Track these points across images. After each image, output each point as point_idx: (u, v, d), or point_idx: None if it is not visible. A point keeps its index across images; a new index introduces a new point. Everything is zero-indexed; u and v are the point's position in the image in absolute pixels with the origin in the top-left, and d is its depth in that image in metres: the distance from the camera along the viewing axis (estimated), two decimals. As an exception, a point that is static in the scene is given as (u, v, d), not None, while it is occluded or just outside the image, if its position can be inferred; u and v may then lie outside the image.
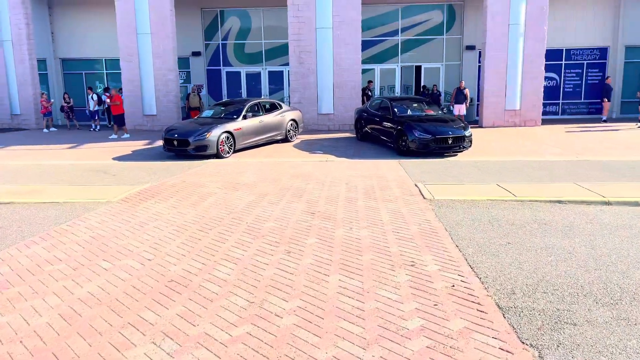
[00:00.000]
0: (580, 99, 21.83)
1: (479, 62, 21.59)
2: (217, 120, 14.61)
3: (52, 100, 21.04)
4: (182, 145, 13.60)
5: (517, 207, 7.53)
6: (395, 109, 14.76)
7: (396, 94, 21.96)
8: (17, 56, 20.77)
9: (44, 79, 23.14)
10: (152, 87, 19.32)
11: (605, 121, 19.78)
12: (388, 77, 22.20)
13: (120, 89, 20.90)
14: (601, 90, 19.92)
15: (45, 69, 23.03)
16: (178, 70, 19.56)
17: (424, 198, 8.13)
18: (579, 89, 21.81)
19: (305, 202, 8.07)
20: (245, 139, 14.59)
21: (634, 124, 19.43)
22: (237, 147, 14.34)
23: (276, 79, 22.48)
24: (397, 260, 5.32)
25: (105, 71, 22.98)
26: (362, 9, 18.54)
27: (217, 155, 13.69)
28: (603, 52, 21.45)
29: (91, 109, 20.09)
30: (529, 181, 9.70)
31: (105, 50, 22.47)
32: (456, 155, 13.53)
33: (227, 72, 22.56)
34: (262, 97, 22.21)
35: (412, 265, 5.15)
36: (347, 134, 18.16)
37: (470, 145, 13.78)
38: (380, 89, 22.23)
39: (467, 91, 18.49)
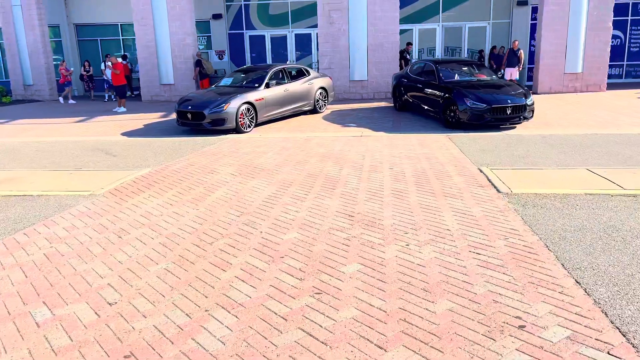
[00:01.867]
0: (649, 60, 18.92)
1: (532, 19, 18.85)
2: (237, 89, 12.60)
3: (71, 69, 19.31)
4: (196, 118, 11.70)
5: (634, 207, 5.35)
6: (442, 74, 12.44)
7: (438, 57, 19.45)
8: (27, 22, 19.05)
9: (58, 47, 21.45)
10: (169, 54, 17.38)
11: (679, 85, 16.94)
12: (428, 39, 19.68)
13: (125, 55, 19.03)
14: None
15: (60, 35, 21.31)
16: (196, 35, 17.52)
17: (498, 191, 6.00)
18: (647, 48, 18.87)
19: (340, 196, 6.07)
20: (268, 111, 12.58)
21: None
22: (260, 119, 12.36)
23: (304, 43, 20.23)
24: (492, 314, 3.29)
25: (121, 37, 21.12)
26: (399, -41, 15.99)
27: (237, 130, 11.77)
28: (677, 4, 18.38)
29: (107, 78, 18.32)
30: (623, 163, 7.46)
31: (121, 15, 20.54)
32: (515, 127, 11.25)
33: (250, 36, 20.41)
34: (288, 62, 20.04)
35: (521, 328, 3.12)
36: (384, 103, 15.93)
37: (532, 116, 11.45)
38: (419, 52, 19.75)
39: (521, 52, 15.91)
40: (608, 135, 9.88)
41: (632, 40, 18.73)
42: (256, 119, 12.19)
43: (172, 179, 7.36)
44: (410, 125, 12.08)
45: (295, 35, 20.18)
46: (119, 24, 20.83)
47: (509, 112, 10.95)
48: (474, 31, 19.42)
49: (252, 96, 12.09)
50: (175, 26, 17.10)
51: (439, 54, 19.61)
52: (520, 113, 11.08)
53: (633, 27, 18.72)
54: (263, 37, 20.36)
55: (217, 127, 11.59)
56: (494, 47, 18.29)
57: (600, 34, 15.87)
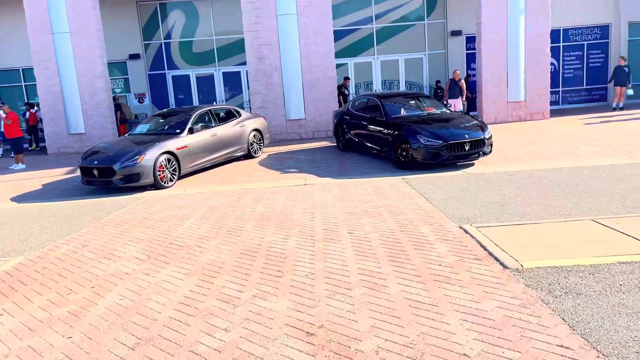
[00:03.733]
0: (582, 85, 18.66)
1: (467, 48, 18.18)
2: (155, 137, 10.58)
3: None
4: (105, 175, 9.54)
5: (692, 279, 3.86)
6: (388, 109, 11.04)
7: (378, 91, 18.28)
8: None
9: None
10: (77, 99, 15.04)
11: (614, 109, 16.60)
12: (364, 73, 18.52)
13: (32, 103, 16.45)
14: (613, 73, 16.69)
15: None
16: (109, 77, 15.33)
17: (504, 267, 4.35)
18: (580, 73, 18.64)
19: (289, 291, 4.21)
20: (194, 160, 10.60)
21: (653, 110, 16.34)
22: (184, 171, 10.35)
23: (233, 82, 18.49)
24: None
25: (24, 83, 18.47)
26: (329, -9, 14.76)
27: (156, 185, 9.71)
28: (604, 30, 18.34)
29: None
30: (621, 205, 6.13)
31: (22, 59, 17.96)
32: (473, 164, 9.93)
33: (173, 77, 18.42)
34: (215, 103, 18.18)
35: None
36: (325, 143, 14.36)
37: (491, 151, 10.18)
38: (356, 86, 18.52)
39: (462, 83, 14.95)
40: (579, 169, 8.69)
41: (565, 67, 18.45)
42: (179, 170, 10.18)
43: (49, 274, 5.20)
44: (358, 168, 10.48)
45: (223, 73, 18.41)
46: (21, 68, 18.22)
47: (467, 148, 9.62)
48: (410, 63, 18.48)
49: (172, 144, 10.10)
50: (83, 68, 14.84)
51: (377, 87, 18.46)
52: (479, 148, 9.78)
53: (565, 53, 18.48)
54: (188, 77, 18.43)
55: (130, 183, 9.49)
56: (437, 81, 17.38)
57: (539, 61, 15.24)
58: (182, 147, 10.29)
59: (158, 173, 9.67)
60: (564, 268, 4.19)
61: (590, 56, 18.53)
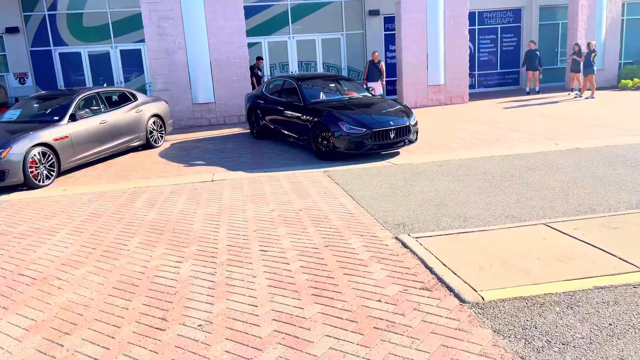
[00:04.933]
0: (496, 69, 18.59)
1: (385, 29, 17.38)
2: (27, 125, 8.64)
3: None
4: (-43, 173, 7.55)
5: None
6: (306, 92, 9.85)
7: (293, 73, 17.00)
8: None
9: None
10: None
11: (528, 93, 16.62)
12: (279, 53, 17.15)
13: None
14: (525, 57, 16.65)
15: None
16: (-24, 52, 12.81)
17: (462, 302, 3.32)
18: (494, 57, 18.53)
19: (172, 357, 2.92)
20: (77, 153, 8.81)
21: (564, 93, 16.50)
22: (65, 166, 8.56)
23: (133, 61, 16.37)
24: None
25: None
26: (238, -39, 13.18)
27: (27, 184, 7.89)
28: (517, 14, 18.30)
29: None
30: (567, 202, 5.44)
31: None
32: (399, 153, 9.07)
33: (60, 54, 15.95)
34: (116, 85, 16.02)
35: None
36: (238, 129, 12.93)
37: (417, 138, 9.36)
38: (271, 67, 17.12)
39: (382, 65, 14.07)
40: (509, 158, 8.06)
41: (480, 50, 18.24)
42: (58, 166, 8.38)
43: None
44: (274, 159, 9.25)
45: (121, 51, 16.23)
46: None
47: (392, 136, 8.71)
48: (328, 43, 17.36)
49: (49, 134, 8.27)
50: (-58, 41, 12.22)
51: (293, 69, 17.18)
52: (405, 136, 8.91)
53: (481, 37, 18.25)
54: (79, 54, 16.04)
55: (-7, 183, 7.59)
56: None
57: (458, 44, 14.75)
58: (62, 138, 8.48)
59: (30, 170, 7.84)
60: (535, 299, 3.26)
61: (504, 40, 18.47)
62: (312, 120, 9.12)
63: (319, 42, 17.26)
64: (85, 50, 16.00)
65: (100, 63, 16.15)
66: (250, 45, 15.14)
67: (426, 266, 3.88)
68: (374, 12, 17.08)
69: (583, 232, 4.36)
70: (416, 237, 4.52)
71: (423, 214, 5.38)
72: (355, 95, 10.31)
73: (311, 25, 17.07)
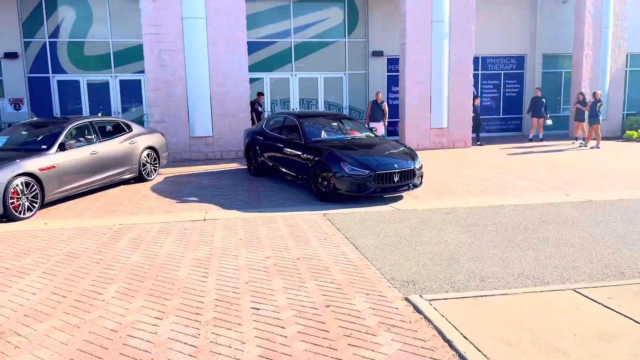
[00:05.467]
0: (499, 114, 18.38)
1: (388, 70, 17.23)
2: (13, 153, 8.16)
3: None
4: None
5: None
6: (307, 130, 9.46)
7: (294, 110, 16.71)
8: None
9: None
10: None
11: (531, 140, 16.34)
12: (281, 90, 16.91)
13: None
14: (531, 104, 16.45)
15: None
16: (-30, 76, 12.46)
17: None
18: (497, 102, 18.35)
19: None
20: (64, 184, 8.29)
21: (568, 141, 16.22)
22: (50, 197, 8.03)
23: (132, 92, 16.06)
24: None
25: None
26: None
27: (7, 216, 7.35)
28: (520, 60, 18.24)
29: None
30: (591, 262, 4.93)
31: None
32: (402, 197, 8.60)
33: (59, 81, 15.63)
34: (114, 115, 15.65)
35: None
36: (235, 165, 12.47)
37: (422, 182, 8.91)
38: (272, 104, 16.85)
39: (385, 106, 13.78)
40: (520, 209, 7.59)
41: (483, 95, 18.07)
42: (42, 197, 7.84)
43: None
44: (271, 198, 8.75)
45: (121, 81, 15.94)
46: None
47: (396, 179, 8.26)
48: (330, 82, 17.16)
49: (34, 164, 7.77)
50: (-64, 63, 11.87)
51: (294, 106, 16.91)
52: (410, 180, 8.47)
53: (484, 82, 18.12)
54: (77, 83, 15.73)
55: (-32, 215, 7.04)
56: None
57: (463, 86, 14.53)
58: (48, 168, 7.98)
59: (11, 201, 7.30)
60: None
61: (507, 86, 18.34)
62: (312, 159, 8.69)
63: (321, 80, 17.06)
64: (84, 79, 15.71)
65: (99, 92, 15.83)
66: (252, 80, 14.88)
67: (444, 339, 3.32)
68: (378, 53, 16.97)
69: (619, 302, 3.84)
70: (430, 300, 3.98)
71: (434, 269, 4.85)
72: (357, 135, 9.93)
73: (314, 63, 16.91)
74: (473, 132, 15.29)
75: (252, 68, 15.05)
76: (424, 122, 14.39)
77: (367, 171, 8.04)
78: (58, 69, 15.50)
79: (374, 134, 10.27)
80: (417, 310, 3.82)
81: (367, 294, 4.21)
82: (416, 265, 5.00)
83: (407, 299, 4.07)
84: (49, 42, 15.37)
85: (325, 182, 8.43)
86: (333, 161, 8.25)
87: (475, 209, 7.59)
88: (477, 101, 15.38)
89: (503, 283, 4.45)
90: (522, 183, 9.70)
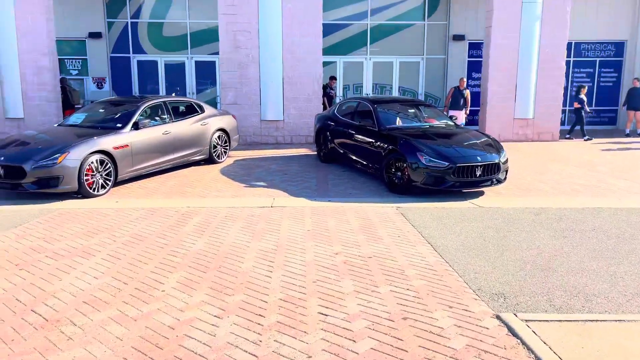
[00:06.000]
0: (591, 105, 16.75)
1: (469, 55, 16.16)
2: (89, 130, 8.25)
3: None
4: (13, 176, 7.20)
5: None
6: (382, 117, 8.89)
7: (367, 95, 16.11)
8: None
9: None
10: (17, 78, 12.55)
11: (628, 135, 14.75)
12: (353, 74, 16.34)
13: None
14: (627, 96, 14.83)
15: None
16: (57, 55, 12.88)
17: None
18: (589, 92, 16.72)
19: None
20: (136, 163, 8.28)
21: (672, 138, 14.49)
22: (122, 176, 8.05)
23: (206, 73, 16.14)
24: None
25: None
26: (319, -21, 12.54)
27: (82, 193, 7.40)
28: (619, 47, 16.48)
29: None
30: None
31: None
32: (483, 193, 7.85)
33: (139, 61, 15.99)
34: (188, 95, 15.82)
35: None
36: (304, 150, 12.14)
37: (506, 177, 8.10)
38: (344, 88, 16.34)
39: (467, 93, 12.84)
40: (622, 213, 6.65)
41: (574, 84, 16.53)
42: (115, 175, 7.87)
43: None
44: (341, 187, 8.30)
45: (196, 62, 16.05)
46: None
47: (478, 173, 7.53)
48: (406, 66, 16.36)
49: (109, 142, 7.78)
50: (27, 43, 12.37)
51: (367, 91, 16.30)
52: (493, 174, 7.69)
53: (575, 70, 16.57)
54: (155, 63, 16.01)
55: (47, 189, 7.17)
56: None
57: (552, 75, 13.29)
58: (122, 146, 7.98)
59: (85, 178, 7.36)
60: None
61: (602, 74, 16.66)
62: (386, 147, 8.12)
63: (396, 64, 16.30)
64: (162, 59, 15.95)
65: (175, 73, 16.03)
66: (325, 64, 14.42)
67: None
68: (459, 37, 15.93)
69: None
70: (527, 321, 3.37)
71: (527, 281, 4.20)
72: (436, 123, 9.22)
73: (390, 46, 16.16)
74: (577, 124, 14.00)
75: (325, 51, 14.58)
76: (507, 112, 13.33)
77: (447, 163, 7.37)
78: (138, 49, 15.83)
79: (454, 122, 9.51)
80: (513, 333, 3.23)
81: (450, 307, 3.66)
82: (505, 274, 4.37)
83: (498, 317, 3.48)
84: (131, 22, 15.70)
85: (399, 173, 7.86)
86: (409, 151, 7.65)
87: (568, 211, 6.73)
88: (584, 91, 13.96)
89: (614, 305, 3.74)
90: (622, 183, 8.61)
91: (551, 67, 13.24)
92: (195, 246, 5.16)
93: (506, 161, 8.00)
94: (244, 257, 4.82)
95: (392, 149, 7.97)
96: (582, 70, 16.52)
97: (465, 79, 12.65)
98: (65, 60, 15.78)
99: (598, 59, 16.54)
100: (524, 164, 10.33)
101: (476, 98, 14.48)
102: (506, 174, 8.07)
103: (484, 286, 4.10)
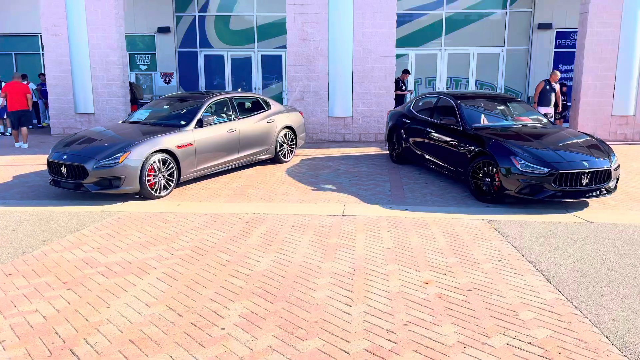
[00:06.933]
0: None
1: (556, 46, 14.59)
2: (152, 127, 7.83)
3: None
4: (75, 175, 6.86)
5: None
6: (466, 114, 7.85)
7: (441, 89, 14.96)
8: None
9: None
10: (88, 73, 12.53)
11: None
12: (426, 67, 15.22)
13: (25, 75, 13.94)
14: None
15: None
16: (126, 50, 12.74)
17: None
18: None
19: None
20: (200, 163, 7.77)
21: None
22: (185, 176, 7.56)
23: (273, 67, 15.61)
24: None
25: (42, 51, 16.19)
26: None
27: (143, 194, 6.97)
28: None
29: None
30: None
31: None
32: (588, 204, 6.67)
33: (205, 56, 15.71)
34: (254, 91, 15.38)
35: None
36: (373, 149, 11.26)
37: (616, 187, 6.85)
38: (416, 82, 15.26)
39: (557, 87, 11.39)
40: None
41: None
42: (178, 175, 7.39)
43: None
44: (418, 193, 7.38)
45: (262, 56, 15.55)
46: (39, 34, 15.92)
47: (584, 181, 6.38)
48: (484, 58, 15.04)
49: (172, 140, 7.30)
50: (97, 37, 12.29)
51: (441, 85, 15.14)
52: (603, 183, 6.51)
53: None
54: (222, 57, 15.67)
55: (108, 190, 6.80)
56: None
57: (659, 67, 11.58)
58: (186, 145, 7.48)
59: (147, 178, 6.90)
60: None
61: None
62: (472, 149, 7.11)
63: (474, 56, 15.01)
64: (228, 53, 15.58)
65: (242, 67, 15.63)
66: (397, 56, 13.43)
67: None
68: (545, 25, 14.41)
69: None
70: None
71: (691, 339, 3.15)
72: (529, 122, 8.06)
73: (467, 37, 14.90)
74: None
75: (397, 43, 13.57)
76: (604, 108, 11.78)
77: (547, 169, 6.28)
78: (205, 44, 15.55)
79: (549, 120, 8.30)
80: None
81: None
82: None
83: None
84: (198, 16, 15.43)
85: (488, 179, 6.84)
86: (501, 154, 6.62)
87: None
88: None
89: None
90: None
91: (658, 57, 11.54)
92: (261, 264, 4.47)
93: (617, 167, 6.78)
94: (316, 282, 4.07)
95: (480, 151, 6.96)
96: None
97: (558, 73, 11.19)
98: (135, 56, 15.76)
99: None
100: (632, 169, 8.92)
101: (567, 92, 12.96)
102: (617, 183, 6.83)
103: (630, 342, 3.10)
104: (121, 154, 6.77)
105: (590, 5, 11.37)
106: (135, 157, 6.80)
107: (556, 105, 11.20)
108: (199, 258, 4.66)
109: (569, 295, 3.83)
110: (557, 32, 14.49)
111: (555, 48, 14.62)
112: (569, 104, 12.92)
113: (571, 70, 14.32)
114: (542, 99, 11.03)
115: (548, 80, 11.13)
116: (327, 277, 4.19)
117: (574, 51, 12.90)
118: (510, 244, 5.08)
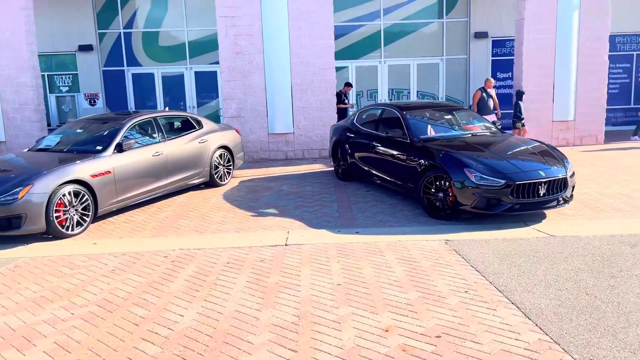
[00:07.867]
0: (630, 104, 15.09)
1: (493, 54, 14.58)
2: (62, 155, 6.77)
3: None
4: (-33, 215, 5.69)
5: None
6: (413, 125, 7.31)
7: (384, 101, 14.54)
8: None
9: None
10: (-4, 97, 11.11)
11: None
12: (367, 79, 14.80)
13: None
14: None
15: None
16: (39, 71, 11.41)
17: None
18: (627, 90, 15.07)
19: None
20: (121, 193, 6.75)
21: None
22: (104, 209, 6.52)
23: (208, 84, 14.66)
24: None
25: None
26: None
27: (52, 233, 5.89)
28: (659, 39, 14.84)
29: None
30: None
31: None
32: (545, 216, 6.26)
33: (134, 74, 14.53)
34: (188, 110, 14.36)
35: None
36: (318, 166, 10.56)
37: (572, 196, 6.47)
38: (357, 95, 14.78)
39: (494, 93, 11.13)
40: None
41: (610, 81, 14.83)
42: (95, 208, 6.34)
43: None
44: (368, 212, 6.72)
45: (196, 73, 14.58)
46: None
47: (542, 192, 5.94)
48: (424, 69, 14.79)
49: (85, 169, 6.28)
50: (7, 57, 10.94)
51: (382, 97, 14.74)
52: (560, 192, 6.10)
53: (611, 65, 14.86)
54: (152, 75, 14.57)
55: (8, 231, 5.69)
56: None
57: (595, 71, 11.66)
58: (103, 173, 6.46)
59: (56, 214, 5.84)
60: None
61: (641, 70, 15.00)
62: (422, 163, 6.56)
63: (414, 67, 14.75)
64: (159, 71, 14.51)
65: (174, 85, 14.59)
66: (337, 69, 12.88)
67: None
68: (481, 34, 14.37)
69: None
70: None
71: None
72: (477, 130, 7.63)
73: (406, 48, 14.63)
74: None
75: (336, 55, 13.02)
76: (544, 115, 11.71)
77: (503, 181, 5.80)
78: (133, 62, 14.40)
79: (497, 128, 7.91)
80: None
81: None
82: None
83: None
84: (124, 33, 14.29)
85: (441, 194, 6.29)
86: (453, 166, 6.09)
87: (671, 240, 5.11)
88: None
89: None
90: None
91: (592, 62, 11.63)
92: (184, 319, 3.60)
93: (573, 174, 6.40)
94: (252, 340, 3.25)
95: (431, 165, 6.41)
96: (617, 65, 14.86)
97: (492, 80, 10.97)
98: (54, 77, 14.38)
99: (635, 53, 14.88)
100: (581, 175, 8.68)
101: (504, 100, 12.87)
102: (572, 191, 6.45)
103: (641, 398, 2.48)
104: (21, 188, 5.69)
105: (526, 12, 11.30)
106: (39, 190, 5.74)
107: (495, 111, 10.95)
108: (106, 316, 3.72)
109: (554, 334, 3.21)
110: (492, 40, 14.48)
111: (492, 57, 14.60)
112: (505, 111, 12.79)
113: (509, 78, 14.32)
114: (482, 107, 10.75)
115: (484, 88, 10.88)
116: (265, 331, 3.37)
117: (511, 59, 12.87)
118: (474, 269, 4.47)
